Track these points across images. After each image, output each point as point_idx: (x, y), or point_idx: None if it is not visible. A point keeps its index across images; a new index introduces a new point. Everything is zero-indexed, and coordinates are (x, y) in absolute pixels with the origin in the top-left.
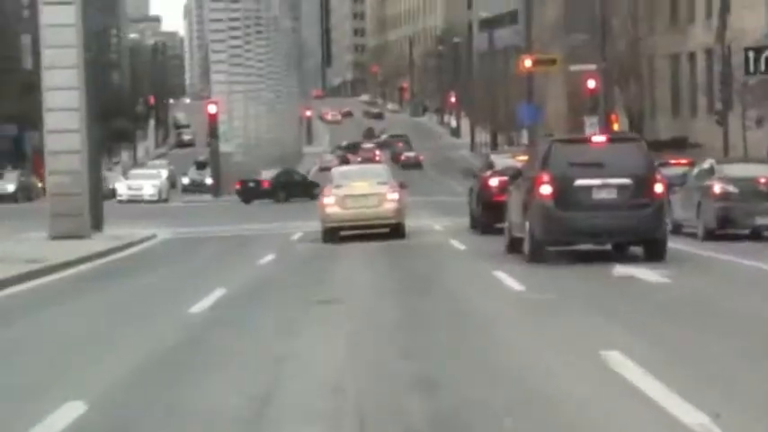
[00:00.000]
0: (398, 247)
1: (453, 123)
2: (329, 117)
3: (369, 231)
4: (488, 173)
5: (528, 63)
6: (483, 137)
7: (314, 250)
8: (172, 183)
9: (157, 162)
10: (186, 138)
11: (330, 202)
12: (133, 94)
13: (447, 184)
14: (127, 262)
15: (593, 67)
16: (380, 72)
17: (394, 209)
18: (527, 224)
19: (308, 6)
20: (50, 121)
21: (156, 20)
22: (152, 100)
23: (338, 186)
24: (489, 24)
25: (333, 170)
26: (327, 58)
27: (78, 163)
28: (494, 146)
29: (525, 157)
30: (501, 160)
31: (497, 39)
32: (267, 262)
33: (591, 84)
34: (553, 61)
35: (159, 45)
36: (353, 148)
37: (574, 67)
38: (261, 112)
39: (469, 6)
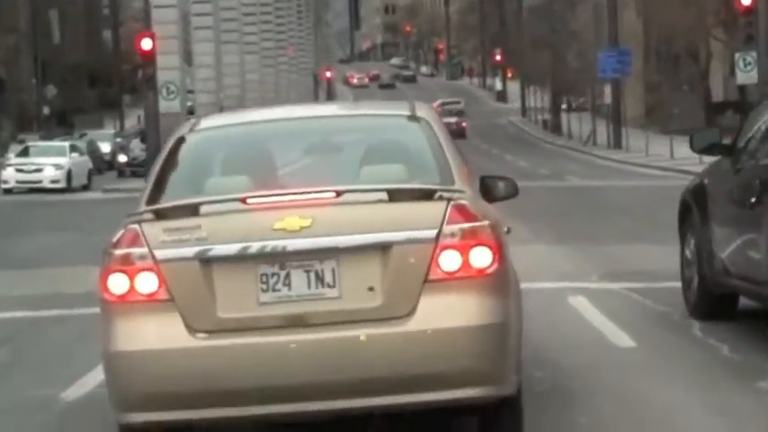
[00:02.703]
0: None
1: (498, 86)
2: (355, 81)
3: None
4: None
5: None
6: (535, 100)
7: None
8: (109, 162)
9: (103, 132)
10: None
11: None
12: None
13: (504, 158)
14: None
15: None
16: (413, 32)
17: (481, 342)
18: None
19: None
20: None
21: None
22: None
23: (188, 230)
24: None
25: (170, 142)
26: (356, 20)
27: None
28: (555, 110)
29: None
30: None
31: None
32: None
33: (745, 0)
34: None
35: None
36: None
37: None
38: (250, 63)
39: None
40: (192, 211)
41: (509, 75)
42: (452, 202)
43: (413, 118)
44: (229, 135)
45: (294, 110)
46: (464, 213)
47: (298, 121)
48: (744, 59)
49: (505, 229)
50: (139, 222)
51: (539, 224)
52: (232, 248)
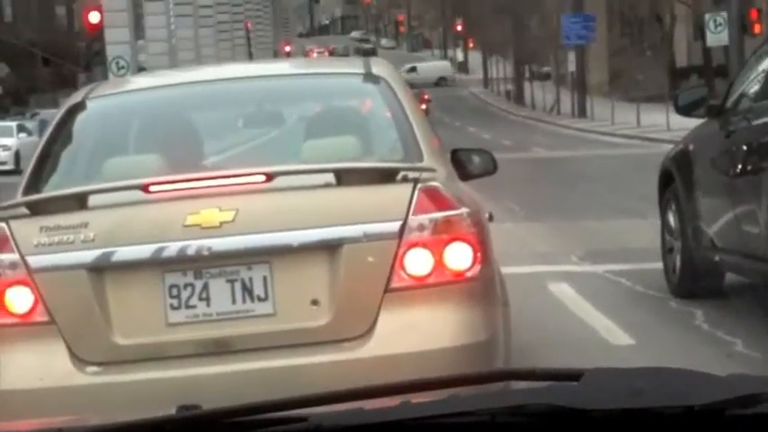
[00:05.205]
0: None
1: (460, 57)
2: (315, 55)
3: None
4: None
5: None
6: (497, 71)
7: None
8: None
9: (56, 112)
10: None
11: None
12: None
13: (467, 131)
14: None
15: None
16: (373, 4)
17: (461, 370)
18: None
19: None
20: None
21: None
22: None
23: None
24: None
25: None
26: None
27: None
28: (518, 80)
29: None
30: None
31: None
32: None
33: None
34: None
35: None
36: None
37: None
38: (205, 37)
39: None
40: (79, 203)
41: (470, 45)
42: (421, 185)
43: (369, 77)
44: (138, 103)
45: (225, 70)
46: (436, 199)
47: (227, 83)
48: (714, 20)
49: (487, 215)
50: (8, 219)
51: (507, 199)
52: (130, 252)
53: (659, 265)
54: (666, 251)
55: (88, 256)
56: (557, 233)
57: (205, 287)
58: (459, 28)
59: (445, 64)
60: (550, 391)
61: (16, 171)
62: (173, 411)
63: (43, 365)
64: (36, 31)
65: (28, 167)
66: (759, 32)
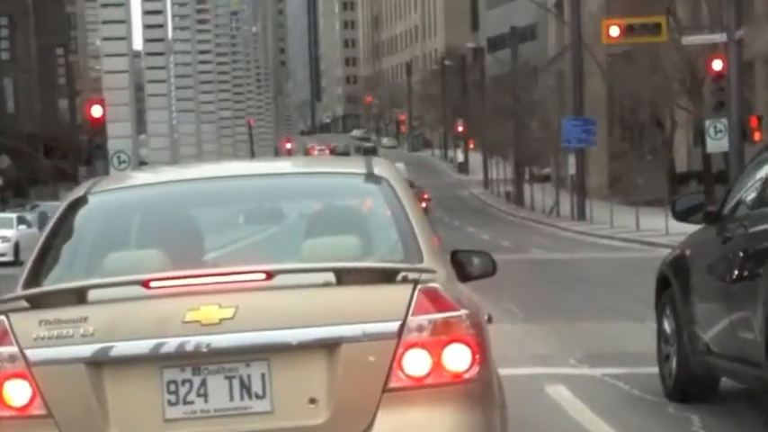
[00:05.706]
0: None
1: (460, 157)
2: (316, 153)
3: None
4: None
5: (615, 32)
6: (498, 172)
7: None
8: None
9: (56, 204)
10: None
11: None
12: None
13: (466, 231)
14: None
15: (719, 38)
16: (375, 103)
17: None
18: None
19: (293, 36)
20: None
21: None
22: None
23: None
24: (497, 45)
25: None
26: (317, 92)
27: None
28: (518, 181)
29: None
30: None
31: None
32: None
33: (717, 65)
34: (657, 27)
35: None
36: None
37: (688, 40)
38: (207, 133)
39: (474, 27)
40: (78, 297)
41: (471, 146)
42: (420, 286)
43: (370, 177)
44: (139, 198)
45: (226, 167)
46: (436, 300)
47: (228, 180)
48: (714, 127)
49: (486, 317)
50: (8, 312)
51: (506, 300)
52: (129, 347)
53: (656, 369)
54: (663, 358)
55: (87, 350)
56: (555, 335)
57: (203, 383)
58: (459, 128)
59: (400, 166)
60: None
61: (16, 263)
62: None
63: None
64: (38, 123)
65: (29, 260)
66: (759, 140)
